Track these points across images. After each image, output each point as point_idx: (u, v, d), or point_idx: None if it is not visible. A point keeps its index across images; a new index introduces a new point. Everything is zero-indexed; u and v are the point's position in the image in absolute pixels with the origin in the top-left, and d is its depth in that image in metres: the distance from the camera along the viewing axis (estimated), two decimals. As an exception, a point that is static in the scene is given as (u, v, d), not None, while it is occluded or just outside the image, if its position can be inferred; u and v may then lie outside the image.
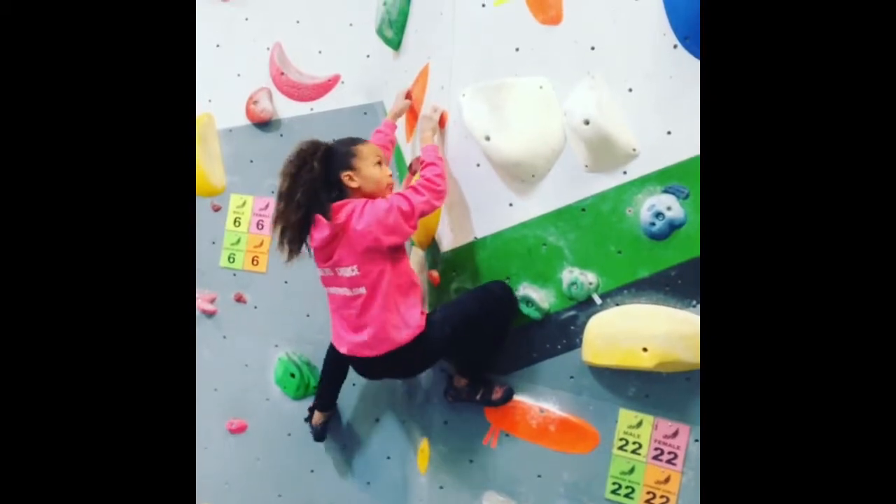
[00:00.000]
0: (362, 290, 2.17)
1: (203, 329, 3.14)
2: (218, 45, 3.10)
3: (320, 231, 2.16)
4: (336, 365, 2.65)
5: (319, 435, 2.82)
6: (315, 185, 2.16)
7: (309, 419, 2.82)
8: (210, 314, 3.15)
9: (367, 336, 2.20)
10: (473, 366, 2.40)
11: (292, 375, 2.96)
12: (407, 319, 2.20)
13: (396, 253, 2.20)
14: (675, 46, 2.03)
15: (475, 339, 2.29)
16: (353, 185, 2.21)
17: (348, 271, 2.17)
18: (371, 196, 2.21)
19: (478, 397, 2.38)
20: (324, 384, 2.75)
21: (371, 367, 2.32)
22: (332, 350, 2.54)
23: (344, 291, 2.21)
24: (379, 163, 2.26)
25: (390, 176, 2.29)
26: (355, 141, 2.28)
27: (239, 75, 3.08)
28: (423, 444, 2.58)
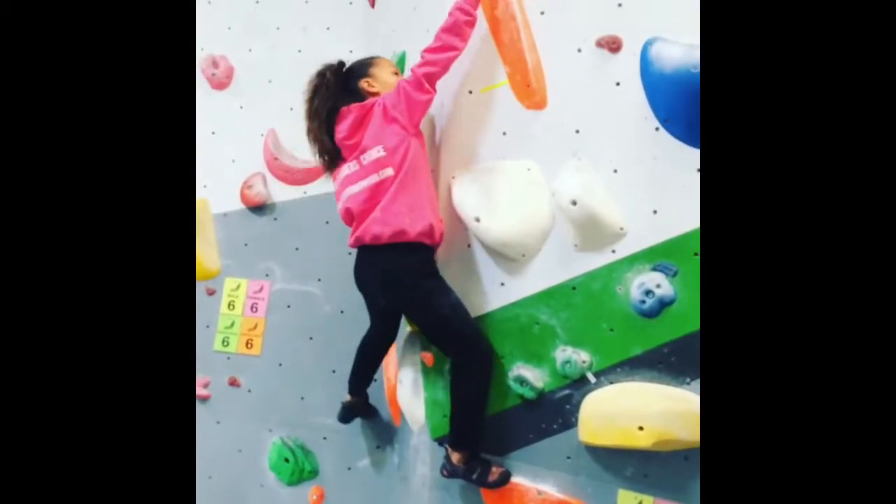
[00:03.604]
0: (389, 171, 2.27)
1: (197, 414, 3.11)
2: (213, 133, 3.17)
3: (345, 119, 2.37)
4: (368, 349, 2.66)
5: (342, 416, 2.78)
6: (332, 92, 2.41)
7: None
8: (204, 399, 3.12)
9: (380, 211, 2.28)
10: (460, 427, 2.34)
11: (287, 460, 2.92)
12: (419, 213, 2.27)
13: (417, 139, 2.34)
14: (657, 129, 2.09)
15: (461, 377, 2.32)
16: (372, 90, 2.43)
17: (374, 153, 2.29)
18: None
19: (474, 477, 2.33)
20: (354, 367, 2.71)
21: (372, 260, 2.36)
22: (366, 336, 2.63)
23: (371, 180, 2.30)
24: (395, 73, 2.49)
25: None
26: (372, 57, 2.54)
27: (234, 161, 3.15)
28: (421, 530, 2.53)
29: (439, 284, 2.35)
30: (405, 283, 2.33)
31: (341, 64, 2.49)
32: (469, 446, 2.35)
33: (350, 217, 2.41)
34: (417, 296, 2.34)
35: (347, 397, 2.76)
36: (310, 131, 2.44)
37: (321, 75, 2.45)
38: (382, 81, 2.44)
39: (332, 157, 2.44)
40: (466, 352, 2.32)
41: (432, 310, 2.33)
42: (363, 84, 2.44)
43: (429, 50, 2.28)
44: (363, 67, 2.47)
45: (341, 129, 2.39)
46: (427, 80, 2.27)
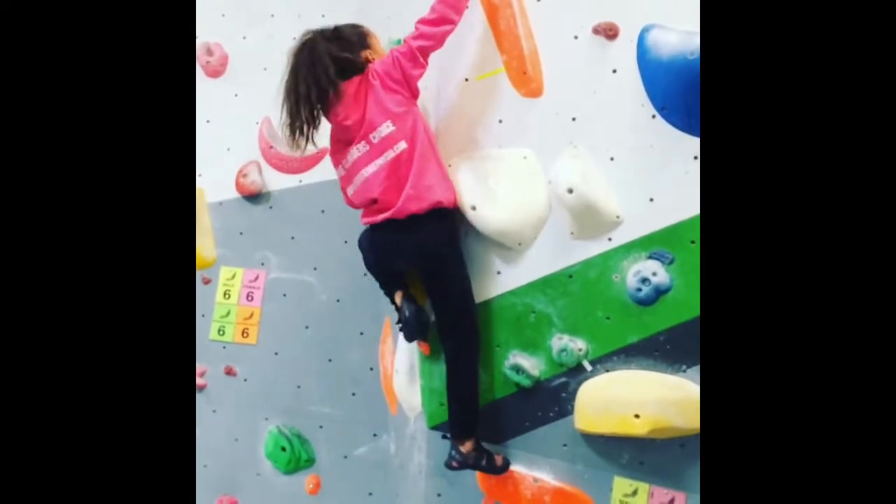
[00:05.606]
0: (404, 145, 2.20)
1: (193, 403, 3.11)
2: (208, 121, 3.15)
3: (345, 98, 2.23)
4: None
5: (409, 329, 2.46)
6: (326, 67, 2.22)
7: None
8: (200, 388, 3.12)
9: (412, 188, 2.19)
10: (465, 415, 2.33)
11: (283, 449, 2.92)
12: (446, 182, 2.26)
13: (417, 108, 2.27)
14: (654, 116, 2.08)
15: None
16: (372, 62, 2.28)
17: (384, 129, 2.21)
18: None
19: (483, 463, 2.33)
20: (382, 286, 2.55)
21: (404, 231, 2.24)
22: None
23: (387, 156, 2.21)
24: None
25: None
26: (361, 25, 2.37)
27: (229, 149, 3.12)
28: (417, 518, 2.54)
29: (463, 256, 2.34)
30: (445, 248, 2.29)
31: (336, 31, 2.31)
32: (475, 433, 2.34)
33: (370, 203, 2.30)
34: (453, 262, 2.30)
35: (398, 297, 2.48)
36: (296, 117, 2.25)
37: (310, 44, 2.26)
38: (380, 54, 2.32)
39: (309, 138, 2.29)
40: (468, 330, 2.30)
41: (460, 279, 2.30)
42: (366, 55, 2.29)
43: (424, 21, 2.20)
44: (365, 38, 2.32)
45: (341, 110, 2.25)
46: (421, 53, 2.21)
